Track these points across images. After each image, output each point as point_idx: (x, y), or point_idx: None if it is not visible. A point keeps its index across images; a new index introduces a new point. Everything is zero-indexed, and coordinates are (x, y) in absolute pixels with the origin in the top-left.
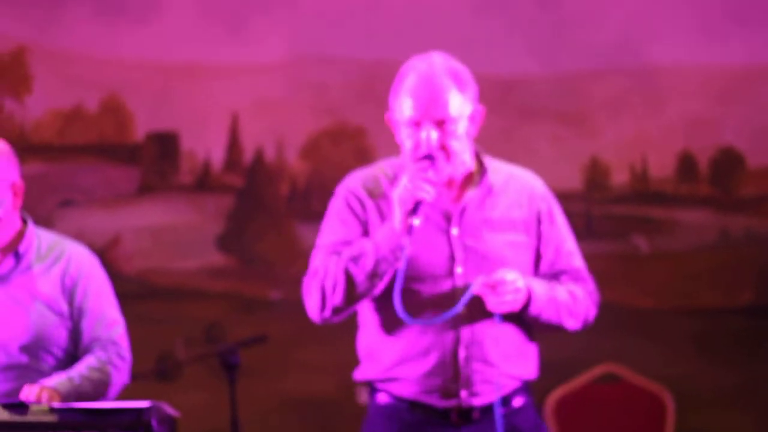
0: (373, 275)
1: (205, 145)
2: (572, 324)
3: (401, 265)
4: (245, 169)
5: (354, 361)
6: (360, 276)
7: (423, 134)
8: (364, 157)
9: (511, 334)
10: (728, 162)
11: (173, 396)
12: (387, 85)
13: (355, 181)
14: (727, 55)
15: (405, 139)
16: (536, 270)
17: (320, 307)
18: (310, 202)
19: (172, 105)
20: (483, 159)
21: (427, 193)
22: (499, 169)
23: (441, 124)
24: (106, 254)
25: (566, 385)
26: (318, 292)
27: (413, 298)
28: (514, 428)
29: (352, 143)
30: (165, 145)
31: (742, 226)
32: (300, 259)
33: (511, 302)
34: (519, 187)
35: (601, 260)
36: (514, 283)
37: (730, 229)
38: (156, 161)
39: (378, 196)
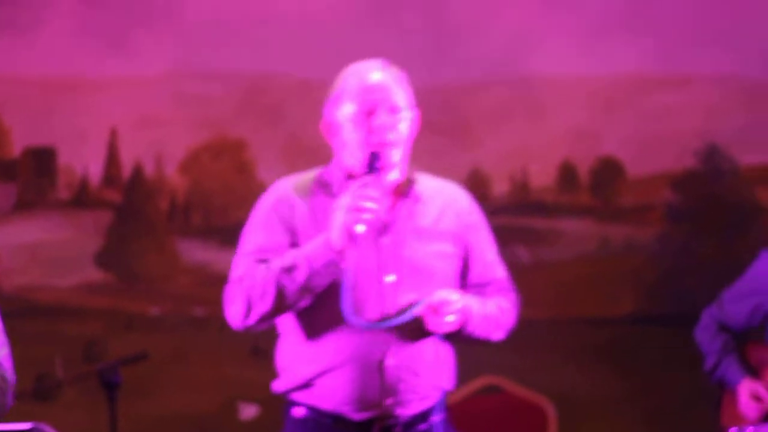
0: (305, 288)
1: (83, 160)
2: (498, 336)
3: (347, 284)
4: (124, 184)
5: (235, 377)
6: (291, 287)
7: (377, 119)
8: (244, 170)
9: (437, 345)
10: (608, 172)
11: (53, 416)
12: (269, 98)
13: (284, 187)
14: (609, 65)
15: (354, 131)
16: (462, 280)
17: (244, 314)
18: (190, 217)
19: (50, 120)
20: (412, 171)
21: (371, 213)
22: (427, 181)
23: (392, 111)
24: None
25: (448, 397)
26: (243, 299)
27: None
28: None
29: (232, 157)
30: (42, 160)
31: (622, 236)
32: (180, 274)
33: (452, 323)
34: (447, 198)
35: None
36: (456, 305)
37: (610, 239)
38: (33, 177)
39: (309, 201)
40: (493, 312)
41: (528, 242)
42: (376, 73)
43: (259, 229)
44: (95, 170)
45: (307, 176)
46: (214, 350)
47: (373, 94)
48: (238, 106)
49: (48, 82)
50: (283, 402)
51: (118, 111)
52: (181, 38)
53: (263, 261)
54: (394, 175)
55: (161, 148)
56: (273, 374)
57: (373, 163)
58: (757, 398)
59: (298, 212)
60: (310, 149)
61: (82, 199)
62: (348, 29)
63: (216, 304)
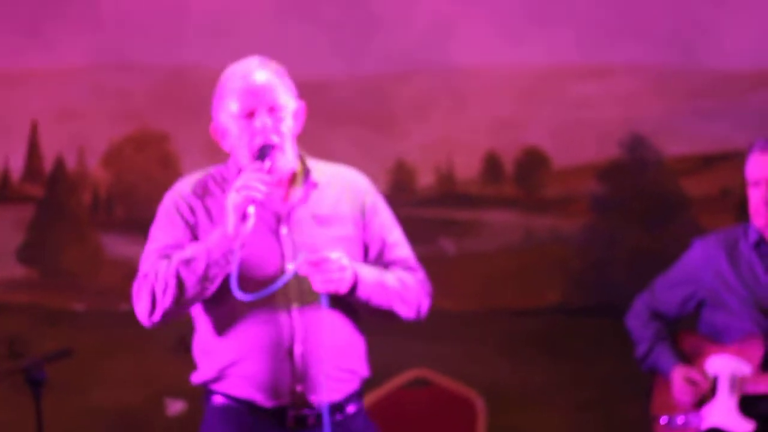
0: (204, 278)
1: (3, 154)
2: (405, 311)
3: (235, 261)
4: (45, 178)
5: (161, 372)
6: (191, 279)
7: (258, 121)
8: (168, 163)
9: (344, 327)
10: (532, 162)
11: None
12: (190, 91)
13: (184, 186)
14: (528, 55)
15: (240, 134)
16: (365, 262)
17: (149, 310)
18: (114, 211)
19: None
20: (306, 159)
21: (260, 192)
22: (322, 168)
23: (272, 111)
24: None
25: (375, 391)
26: (148, 295)
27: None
28: None
29: (155, 149)
30: None
31: (546, 227)
32: (104, 268)
33: (336, 281)
34: (343, 183)
35: None
36: (338, 261)
37: (535, 230)
38: None
39: (207, 199)
40: (393, 283)
41: (454, 234)
42: (254, 73)
43: (162, 227)
44: (16, 164)
45: (204, 174)
46: (140, 345)
47: (253, 96)
48: (159, 98)
49: None
50: (203, 392)
51: (37, 104)
52: (98, 30)
53: (167, 257)
54: (287, 165)
55: (83, 140)
56: None
57: (261, 155)
58: (691, 382)
59: (197, 211)
60: None
61: (3, 193)
62: (268, 21)
63: None
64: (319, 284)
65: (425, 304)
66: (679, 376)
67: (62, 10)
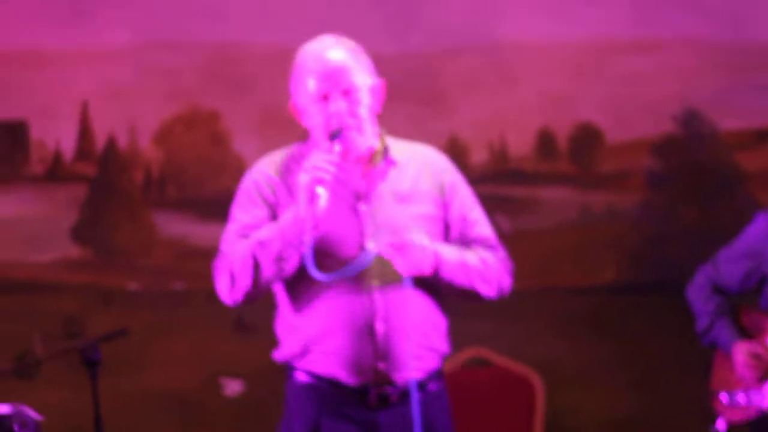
0: (279, 259)
1: (55, 134)
2: (486, 290)
3: (309, 242)
4: (97, 157)
5: (218, 352)
6: (266, 260)
7: (333, 105)
8: (219, 141)
9: (426, 305)
10: (587, 138)
11: (33, 394)
12: (239, 68)
13: (264, 165)
14: (578, 29)
15: (314, 116)
16: (446, 241)
17: (230, 289)
18: (166, 190)
19: (20, 94)
20: (385, 137)
21: (328, 173)
22: (401, 146)
23: (347, 93)
24: None
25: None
26: (227, 275)
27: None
28: (429, 420)
29: (206, 128)
30: (13, 134)
31: (602, 203)
32: (157, 248)
33: (418, 262)
34: (422, 161)
35: None
36: (420, 244)
37: (590, 207)
38: (5, 152)
39: (287, 177)
40: (475, 262)
41: (508, 211)
42: (328, 53)
43: (242, 206)
44: (68, 144)
45: (284, 153)
46: (196, 325)
47: (327, 78)
48: (208, 76)
49: (16, 56)
50: (275, 372)
51: (87, 84)
52: (147, 9)
53: (246, 237)
54: (365, 144)
55: (133, 120)
56: (257, 348)
57: (332, 137)
58: (756, 357)
59: (277, 189)
60: (284, 119)
61: (56, 173)
62: None
63: (195, 277)
64: (402, 267)
65: (507, 283)
66: (742, 351)
67: None
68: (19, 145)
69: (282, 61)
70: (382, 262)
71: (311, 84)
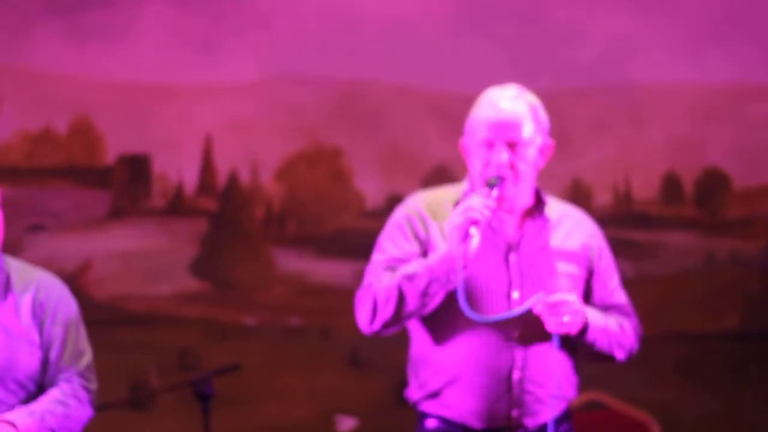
0: (425, 294)
1: (177, 167)
2: (620, 354)
3: (459, 281)
4: (219, 192)
5: (332, 388)
6: (412, 294)
7: (495, 155)
8: (340, 178)
9: (562, 360)
10: (713, 183)
11: (146, 426)
12: (363, 105)
13: (419, 200)
14: (711, 73)
15: (476, 160)
16: (586, 302)
17: (370, 319)
18: (286, 226)
19: (144, 127)
20: (541, 193)
21: (482, 216)
22: (555, 204)
23: (513, 146)
24: (76, 280)
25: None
26: (370, 304)
27: (471, 319)
28: None
29: (328, 165)
30: (136, 167)
31: (727, 249)
32: (276, 283)
33: (568, 324)
34: (573, 222)
35: None
36: (573, 305)
37: (715, 253)
38: (127, 184)
39: (441, 218)
40: (614, 327)
41: (631, 255)
42: (507, 102)
43: (391, 239)
44: (190, 178)
45: (442, 194)
46: (311, 360)
47: (496, 127)
48: (332, 112)
49: (141, 89)
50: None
51: (211, 118)
52: (273, 44)
53: (392, 269)
54: (519, 199)
55: (256, 155)
56: (371, 385)
57: (490, 184)
58: None
59: (429, 227)
60: (407, 157)
61: (177, 206)
62: (443, 36)
63: (311, 313)
64: (553, 326)
65: (636, 348)
66: None
67: (237, 24)
68: (141, 178)
69: (405, 99)
70: (527, 314)
71: (481, 129)
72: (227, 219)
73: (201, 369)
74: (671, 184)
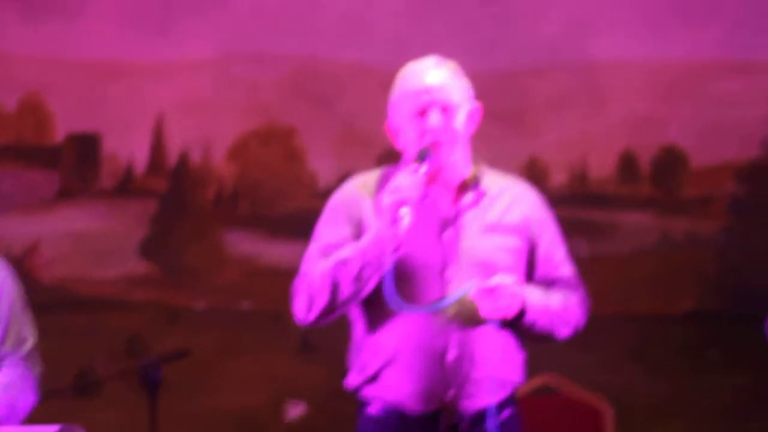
0: (359, 279)
1: (128, 147)
2: (564, 332)
3: (389, 264)
4: (169, 172)
5: (282, 374)
6: (346, 279)
7: (429, 120)
8: (295, 158)
9: (501, 339)
10: (671, 162)
11: (92, 413)
12: (319, 84)
13: (353, 183)
14: (669, 51)
15: (409, 133)
16: (529, 276)
17: (307, 308)
18: (238, 207)
19: (95, 106)
20: (478, 165)
21: (411, 194)
22: (494, 177)
23: (445, 110)
24: (24, 262)
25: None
26: (305, 294)
27: (404, 298)
28: None
29: (282, 144)
30: (86, 147)
31: (684, 229)
32: (227, 266)
33: (505, 308)
34: (513, 194)
35: None
36: (509, 289)
37: (672, 232)
38: (76, 164)
39: (375, 199)
40: (557, 305)
41: (587, 235)
42: (429, 72)
43: (326, 225)
44: (140, 157)
45: (375, 174)
46: (262, 346)
47: (425, 94)
48: (287, 91)
49: (93, 66)
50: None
51: (164, 96)
52: (227, 21)
53: (327, 256)
54: (456, 169)
55: (208, 134)
56: (321, 371)
57: (421, 157)
58: None
59: (364, 209)
60: (362, 137)
61: (127, 187)
62: (401, 14)
63: (264, 297)
64: (488, 311)
65: (582, 322)
66: None
67: (191, 1)
68: (91, 158)
69: (363, 79)
70: (464, 301)
71: (410, 100)
72: (177, 200)
73: (149, 355)
74: (628, 163)
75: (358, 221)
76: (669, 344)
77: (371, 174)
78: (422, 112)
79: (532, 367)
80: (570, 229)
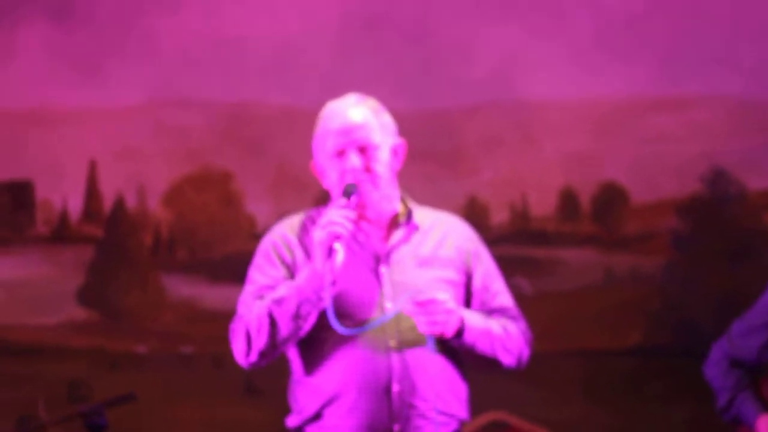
0: (297, 317)
1: (61, 194)
2: (508, 359)
3: (328, 298)
4: (105, 218)
5: (227, 416)
6: (284, 318)
7: (347, 161)
8: (230, 202)
9: (444, 370)
10: (611, 198)
11: None
12: (251, 128)
13: (282, 225)
14: (605, 87)
15: (331, 173)
16: (467, 308)
17: (246, 351)
18: (175, 252)
19: (25, 153)
20: (408, 202)
21: (344, 228)
22: (424, 212)
23: (363, 150)
24: None
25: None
26: (243, 336)
27: (344, 336)
28: None
29: (217, 189)
30: (18, 194)
31: (626, 265)
32: (166, 310)
33: (442, 323)
34: (445, 228)
35: None
36: (444, 304)
37: (614, 268)
38: (9, 212)
39: (305, 239)
40: (498, 331)
41: (529, 273)
42: (349, 110)
43: (259, 268)
44: (75, 204)
45: (303, 215)
46: (205, 389)
47: (344, 135)
48: (220, 136)
49: (22, 114)
50: None
51: (96, 143)
52: (157, 68)
53: (262, 298)
54: (383, 205)
55: (143, 180)
56: (268, 413)
57: (348, 193)
58: None
59: (295, 251)
60: (297, 179)
61: (62, 234)
62: (331, 57)
63: (205, 340)
64: (425, 325)
65: (526, 353)
66: (765, 425)
67: (121, 47)
68: (23, 205)
69: (295, 121)
70: (398, 323)
71: (330, 141)
72: (114, 246)
73: (92, 400)
74: (568, 201)
75: (289, 263)
76: (614, 378)
77: (297, 216)
78: (341, 153)
79: (480, 403)
80: (513, 266)
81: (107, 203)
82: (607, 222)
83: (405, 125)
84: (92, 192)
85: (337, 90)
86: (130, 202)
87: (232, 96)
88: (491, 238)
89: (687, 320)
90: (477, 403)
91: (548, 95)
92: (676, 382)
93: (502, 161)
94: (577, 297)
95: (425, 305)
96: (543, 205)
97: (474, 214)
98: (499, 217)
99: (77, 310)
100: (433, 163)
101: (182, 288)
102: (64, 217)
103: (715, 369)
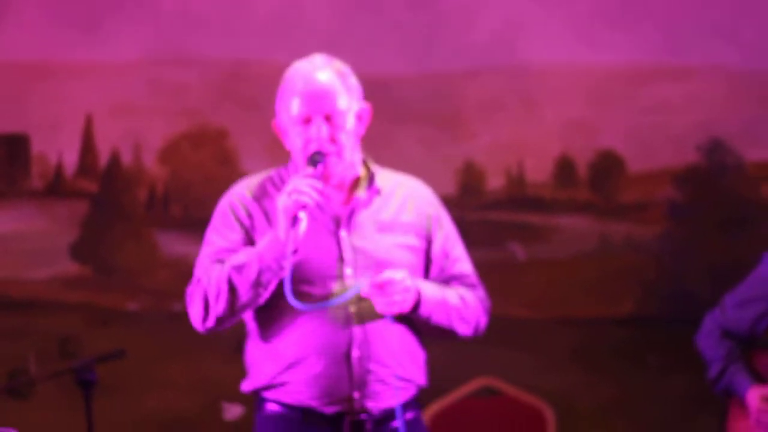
0: (257, 284)
1: (57, 148)
2: (464, 329)
3: (288, 267)
4: (100, 173)
5: (218, 375)
6: (244, 285)
7: (313, 129)
8: (226, 160)
9: (403, 337)
10: (607, 166)
11: (25, 415)
12: (249, 86)
13: (240, 188)
14: (606, 55)
15: (295, 138)
16: (426, 275)
17: (203, 316)
18: (170, 209)
19: (23, 106)
20: (370, 165)
21: (310, 198)
22: (386, 175)
23: (329, 118)
24: None
25: (441, 400)
26: (201, 301)
27: (303, 300)
28: None
29: (213, 146)
30: (14, 148)
31: (622, 234)
32: (159, 268)
33: (399, 302)
34: (407, 192)
35: (475, 268)
36: (402, 283)
37: (610, 237)
38: (4, 165)
39: (264, 201)
40: (455, 302)
41: (524, 239)
42: (315, 74)
43: (217, 230)
44: (70, 159)
45: (262, 176)
46: (196, 347)
47: (310, 101)
48: (217, 93)
49: (20, 67)
50: (255, 400)
51: (93, 98)
52: (156, 24)
53: (221, 261)
54: (346, 170)
55: (139, 136)
56: None
57: (312, 161)
58: None
59: (253, 213)
60: None
61: (57, 188)
62: (333, 16)
63: None
64: (382, 306)
65: (483, 322)
66: (756, 396)
67: (120, 3)
68: (19, 158)
69: None
70: (360, 297)
71: (295, 105)
72: (109, 201)
73: (82, 356)
74: (565, 167)
75: (248, 225)
76: (609, 347)
77: (256, 177)
78: (306, 120)
79: (471, 370)
80: (508, 232)
81: (103, 158)
82: (604, 190)
83: (405, 88)
84: (88, 147)
85: (336, 50)
86: (126, 158)
87: (230, 53)
88: (487, 203)
89: (682, 289)
90: (468, 370)
91: (549, 61)
92: (670, 350)
93: (501, 126)
94: (571, 264)
95: (383, 287)
96: (540, 171)
97: (470, 178)
98: (496, 182)
99: (70, 265)
100: (432, 127)
101: (176, 246)
102: (59, 171)
103: (707, 340)
